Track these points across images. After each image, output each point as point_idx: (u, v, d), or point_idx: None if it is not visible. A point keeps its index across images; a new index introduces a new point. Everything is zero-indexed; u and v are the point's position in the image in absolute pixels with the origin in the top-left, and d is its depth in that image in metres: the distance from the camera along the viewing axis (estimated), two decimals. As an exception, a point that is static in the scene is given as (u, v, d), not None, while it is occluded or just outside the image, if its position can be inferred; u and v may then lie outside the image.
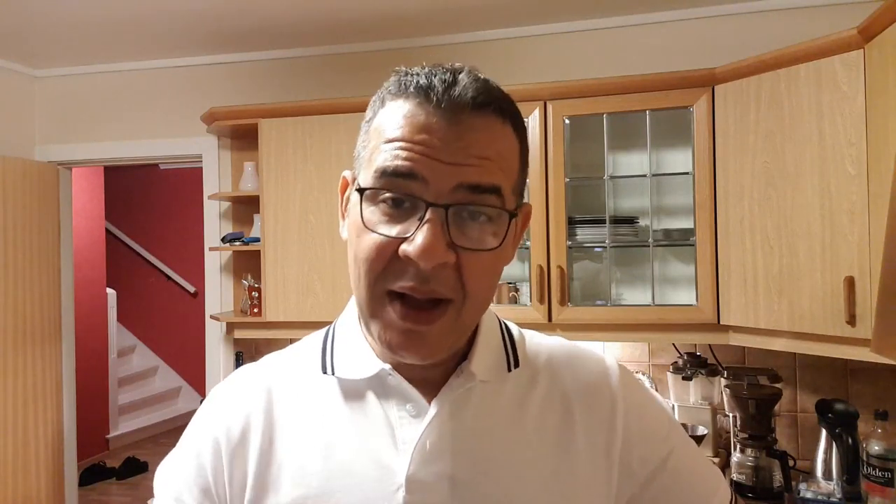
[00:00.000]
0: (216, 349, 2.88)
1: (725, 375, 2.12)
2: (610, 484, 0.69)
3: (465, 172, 0.58)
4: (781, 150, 1.85)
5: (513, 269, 2.35)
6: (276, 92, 2.78)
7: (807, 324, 1.79)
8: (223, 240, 2.65)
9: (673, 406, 2.24)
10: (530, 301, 2.17)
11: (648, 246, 2.18)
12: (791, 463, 2.10)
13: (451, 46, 2.61)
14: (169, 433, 5.67)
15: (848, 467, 1.85)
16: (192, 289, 6.05)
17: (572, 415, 0.69)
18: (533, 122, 2.13)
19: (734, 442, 2.04)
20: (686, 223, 2.21)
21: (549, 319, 2.13)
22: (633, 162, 2.35)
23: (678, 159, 2.26)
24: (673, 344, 2.33)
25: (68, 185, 3.17)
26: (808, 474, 2.02)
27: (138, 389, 5.88)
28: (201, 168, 2.89)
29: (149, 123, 2.97)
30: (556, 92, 2.14)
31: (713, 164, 2.02)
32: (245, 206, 2.78)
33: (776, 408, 2.03)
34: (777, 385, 2.07)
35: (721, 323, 2.01)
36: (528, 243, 2.17)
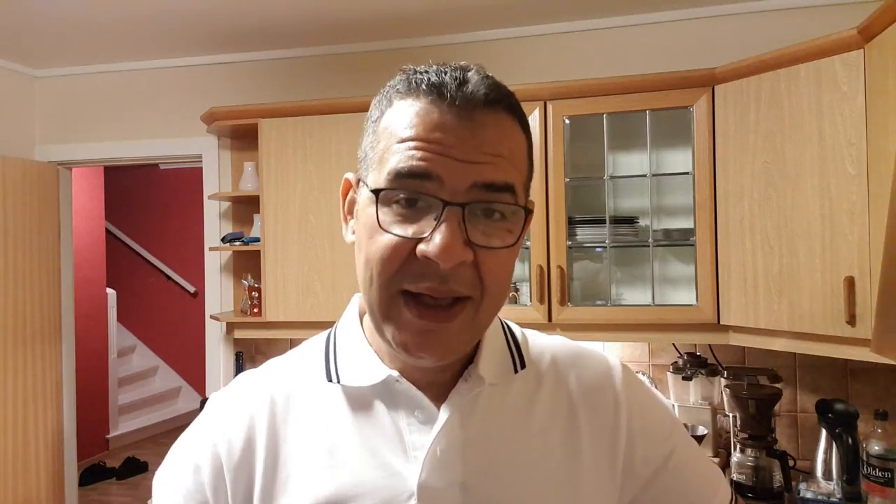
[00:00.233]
0: (216, 349, 2.88)
1: (725, 375, 2.12)
2: (614, 484, 0.69)
3: (480, 170, 0.57)
4: (781, 150, 1.85)
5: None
6: (276, 92, 2.78)
7: (807, 324, 1.79)
8: (223, 240, 2.65)
9: (673, 406, 2.24)
10: (530, 301, 2.17)
11: (648, 246, 2.18)
12: (791, 463, 2.10)
13: (452, 46, 2.61)
14: (169, 433, 5.67)
15: (848, 467, 1.85)
16: (192, 289, 6.05)
17: (577, 416, 0.69)
18: (533, 122, 2.13)
19: (734, 442, 2.04)
20: (686, 223, 2.21)
21: (549, 319, 2.13)
22: (633, 162, 2.35)
23: (678, 159, 2.26)
24: (673, 344, 2.33)
25: (68, 185, 3.17)
26: (808, 474, 2.02)
27: (138, 389, 5.88)
28: (201, 168, 2.89)
29: (149, 123, 2.97)
30: (556, 92, 2.14)
31: (713, 164, 2.02)
32: (245, 206, 2.78)
33: (776, 408, 2.03)
34: (777, 385, 2.07)
35: (721, 323, 2.01)
36: (528, 243, 2.17)
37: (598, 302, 2.26)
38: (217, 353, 2.87)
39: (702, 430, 2.13)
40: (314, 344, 0.74)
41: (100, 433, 5.16)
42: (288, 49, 2.79)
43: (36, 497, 2.90)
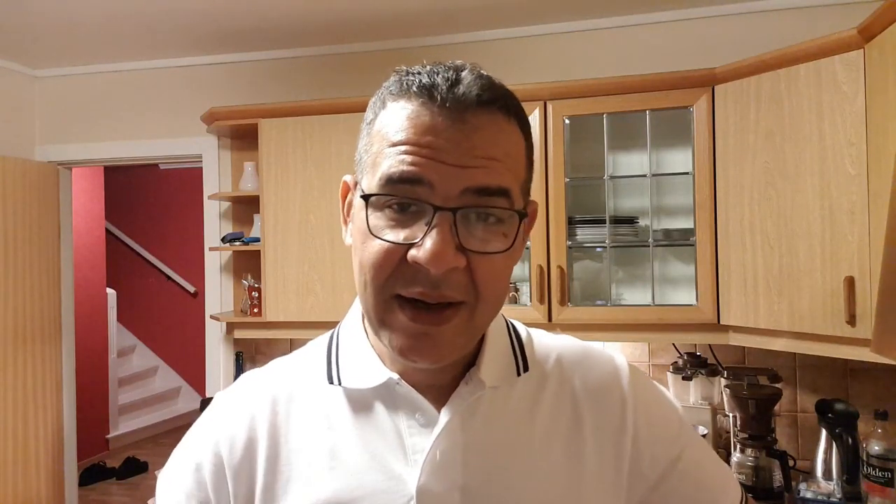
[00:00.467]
0: (216, 349, 2.88)
1: (725, 375, 2.11)
2: (620, 486, 0.67)
3: (473, 175, 0.56)
4: (781, 149, 1.85)
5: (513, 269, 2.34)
6: (276, 92, 2.78)
7: (807, 324, 1.79)
8: (223, 240, 2.65)
9: (673, 406, 2.24)
10: (530, 301, 2.18)
11: (648, 246, 2.18)
12: (791, 463, 2.10)
13: (451, 46, 2.61)
14: (169, 433, 5.68)
15: (848, 467, 1.85)
16: (192, 289, 6.05)
17: (582, 417, 0.68)
18: (533, 122, 2.13)
19: (734, 442, 2.04)
20: (686, 223, 2.21)
21: (549, 319, 2.14)
22: (633, 162, 2.35)
23: (678, 159, 2.26)
24: (673, 344, 2.33)
25: (68, 185, 3.17)
26: (808, 474, 2.02)
27: (138, 389, 5.88)
28: (201, 168, 2.89)
29: (149, 123, 2.97)
30: (556, 92, 2.14)
31: (713, 164, 2.02)
32: (245, 206, 2.78)
33: (776, 408, 2.03)
34: (777, 385, 2.07)
35: (721, 323, 2.01)
36: (528, 243, 2.17)
37: (598, 302, 2.26)
38: (217, 353, 2.87)
39: (702, 431, 2.13)
40: (317, 344, 0.74)
41: (100, 433, 5.16)
42: (288, 49, 2.79)
43: (36, 497, 2.90)
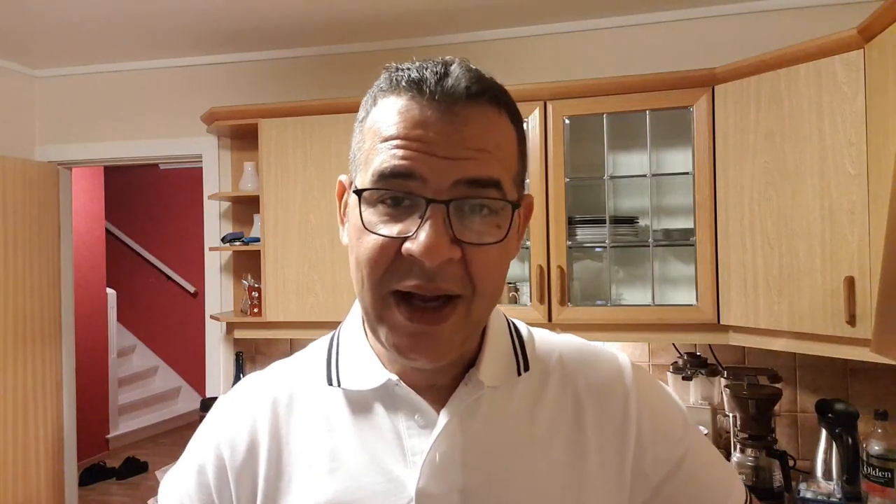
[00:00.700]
0: (216, 349, 2.88)
1: (725, 375, 2.11)
2: (622, 487, 0.67)
3: (464, 167, 0.57)
4: (781, 150, 1.85)
5: (513, 269, 2.34)
6: (276, 92, 2.78)
7: (807, 324, 1.79)
8: (223, 240, 2.65)
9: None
10: (530, 301, 2.18)
11: (648, 246, 2.18)
12: (791, 463, 2.10)
13: (451, 46, 2.61)
14: (169, 433, 5.68)
15: (848, 467, 1.85)
16: (192, 289, 6.05)
17: (584, 418, 0.67)
18: (533, 122, 2.13)
19: (734, 442, 2.04)
20: (686, 223, 2.21)
21: (549, 319, 2.14)
22: (633, 162, 2.35)
23: (678, 159, 2.26)
24: (673, 344, 2.33)
25: (68, 185, 3.17)
26: (808, 474, 2.02)
27: (138, 389, 5.88)
28: (201, 168, 2.89)
29: (149, 123, 2.97)
30: (556, 92, 2.14)
31: (713, 164, 2.02)
32: (245, 206, 2.78)
33: (776, 408, 2.03)
34: (777, 385, 2.07)
35: (721, 323, 2.01)
36: (528, 243, 2.17)
37: (598, 302, 2.26)
38: (217, 354, 2.87)
39: (702, 431, 2.13)
40: (318, 346, 0.74)
41: (100, 433, 5.17)
42: (288, 49, 2.79)
43: (36, 497, 2.90)
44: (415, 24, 2.52)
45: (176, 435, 5.58)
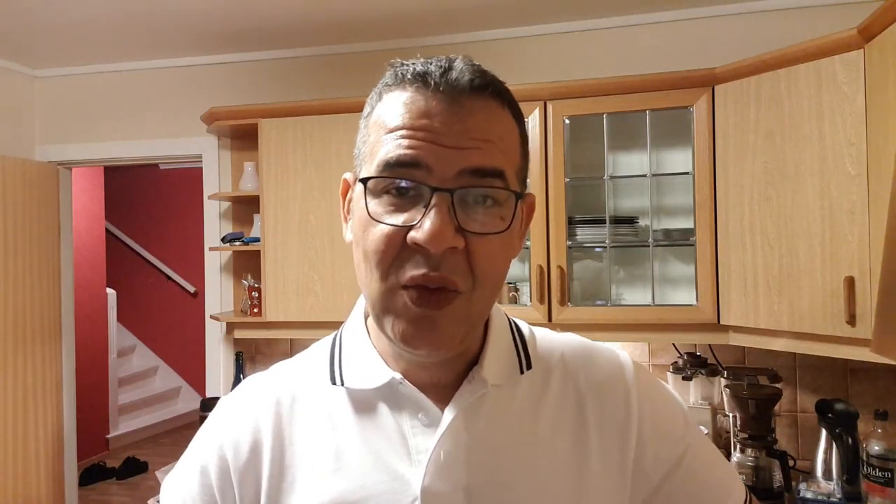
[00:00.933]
0: (216, 349, 2.88)
1: (725, 375, 2.11)
2: (624, 486, 0.67)
3: (468, 156, 0.57)
4: (781, 150, 1.85)
5: (513, 269, 2.35)
6: (276, 92, 2.79)
7: (807, 324, 1.79)
8: (223, 240, 2.65)
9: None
10: (530, 301, 2.18)
11: (648, 246, 2.18)
12: (791, 463, 2.10)
13: (451, 46, 2.61)
14: (169, 433, 5.68)
15: (848, 467, 1.85)
16: (192, 289, 6.05)
17: (586, 416, 0.68)
18: (533, 122, 2.13)
19: (734, 442, 2.04)
20: (686, 223, 2.21)
21: (549, 319, 2.14)
22: (633, 162, 2.35)
23: (678, 159, 2.26)
24: (673, 344, 2.33)
25: (68, 185, 3.17)
26: (808, 474, 2.02)
27: (138, 389, 5.88)
28: (201, 168, 2.89)
29: (149, 123, 2.97)
30: (556, 92, 2.14)
31: (713, 164, 2.02)
32: (245, 206, 2.78)
33: (776, 408, 2.03)
34: (777, 385, 2.07)
35: (721, 323, 2.01)
36: (528, 243, 2.17)
37: (598, 302, 2.26)
38: (217, 354, 2.87)
39: (702, 430, 2.13)
40: (320, 346, 0.74)
41: (100, 433, 5.17)
42: (288, 49, 2.79)
43: (36, 497, 2.90)
44: (415, 24, 2.52)
45: (176, 435, 5.58)
